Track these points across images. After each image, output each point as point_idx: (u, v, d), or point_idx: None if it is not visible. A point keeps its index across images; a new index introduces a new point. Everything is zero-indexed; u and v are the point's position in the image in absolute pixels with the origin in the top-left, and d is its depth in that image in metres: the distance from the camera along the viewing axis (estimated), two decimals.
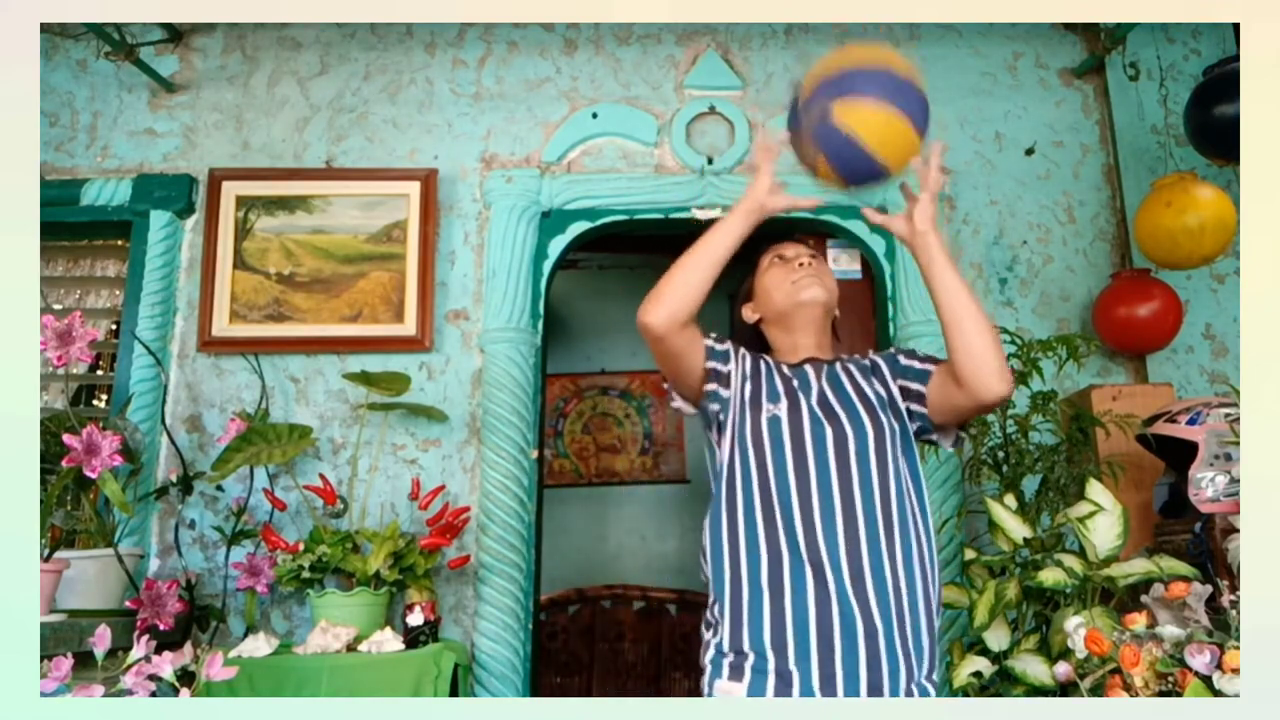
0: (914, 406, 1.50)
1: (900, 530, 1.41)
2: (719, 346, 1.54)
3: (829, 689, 1.32)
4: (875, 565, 1.38)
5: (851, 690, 1.32)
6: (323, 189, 2.60)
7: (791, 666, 1.34)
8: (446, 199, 2.64)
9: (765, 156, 1.51)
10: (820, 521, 1.40)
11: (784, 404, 1.49)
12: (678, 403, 1.59)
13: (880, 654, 1.34)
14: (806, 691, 1.32)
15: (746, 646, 1.37)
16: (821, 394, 1.51)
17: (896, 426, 1.49)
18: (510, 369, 2.47)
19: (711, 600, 1.45)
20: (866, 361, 1.58)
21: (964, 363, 1.38)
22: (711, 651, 1.41)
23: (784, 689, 1.32)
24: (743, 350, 1.58)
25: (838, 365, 1.57)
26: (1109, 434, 2.13)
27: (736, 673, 1.36)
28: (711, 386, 1.51)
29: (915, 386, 1.50)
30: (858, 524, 1.40)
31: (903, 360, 1.54)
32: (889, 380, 1.53)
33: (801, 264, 1.62)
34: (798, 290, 1.59)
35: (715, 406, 1.52)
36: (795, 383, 1.53)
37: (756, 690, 1.33)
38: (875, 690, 1.32)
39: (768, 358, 1.61)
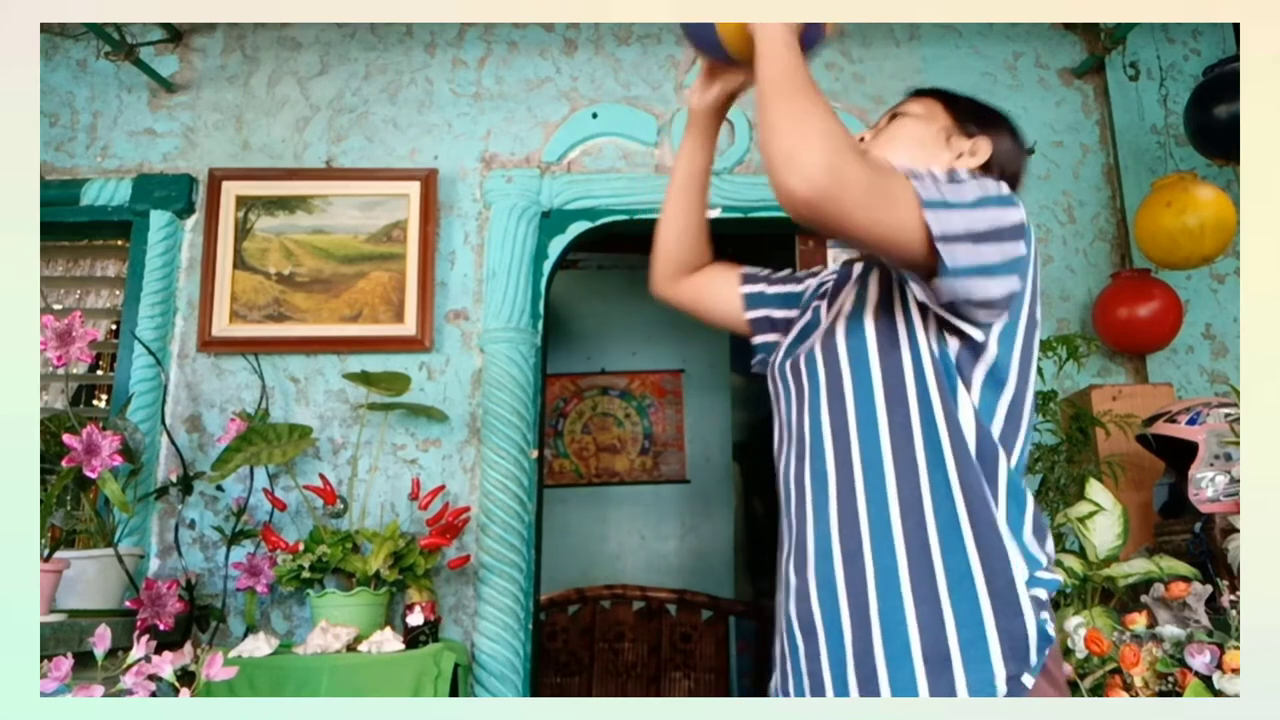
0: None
1: (864, 483, 0.99)
2: (771, 290, 1.32)
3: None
4: (820, 543, 1.01)
5: None
6: (323, 189, 2.59)
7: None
8: (446, 199, 2.64)
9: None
10: (788, 485, 1.09)
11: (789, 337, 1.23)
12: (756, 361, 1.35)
13: (801, 673, 1.02)
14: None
15: None
16: (833, 308, 1.17)
17: (873, 325, 1.06)
18: (510, 369, 2.47)
19: None
20: None
21: (763, 156, 0.94)
22: None
23: None
24: (824, 283, 1.29)
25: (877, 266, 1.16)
26: (1109, 434, 2.13)
27: None
28: (766, 338, 1.31)
29: None
30: (805, 482, 1.05)
31: None
32: None
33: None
34: None
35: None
36: (815, 302, 1.24)
37: None
38: None
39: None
